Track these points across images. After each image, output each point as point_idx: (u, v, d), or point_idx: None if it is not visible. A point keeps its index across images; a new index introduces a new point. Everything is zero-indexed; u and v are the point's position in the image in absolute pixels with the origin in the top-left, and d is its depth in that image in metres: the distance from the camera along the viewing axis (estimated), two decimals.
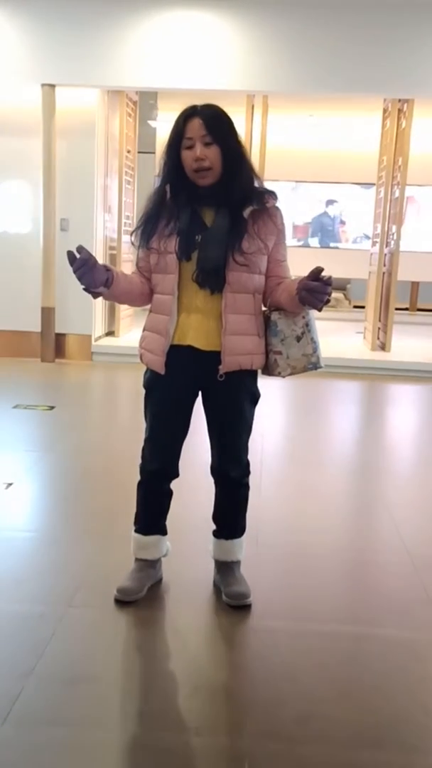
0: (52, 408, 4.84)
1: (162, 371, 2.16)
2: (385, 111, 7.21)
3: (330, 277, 1.95)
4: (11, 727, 1.71)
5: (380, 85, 6.28)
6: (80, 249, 1.97)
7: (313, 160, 10.48)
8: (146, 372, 2.26)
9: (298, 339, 2.17)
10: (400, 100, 6.79)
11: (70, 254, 1.96)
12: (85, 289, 2.05)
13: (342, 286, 12.11)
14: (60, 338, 6.69)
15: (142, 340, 2.25)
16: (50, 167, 6.39)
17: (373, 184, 7.90)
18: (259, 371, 2.24)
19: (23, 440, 4.22)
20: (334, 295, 13.44)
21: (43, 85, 6.25)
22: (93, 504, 3.21)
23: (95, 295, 2.09)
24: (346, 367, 6.68)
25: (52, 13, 6.13)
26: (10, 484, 3.31)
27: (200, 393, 2.25)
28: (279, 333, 2.17)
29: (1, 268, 6.68)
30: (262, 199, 2.14)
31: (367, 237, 10.01)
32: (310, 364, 2.19)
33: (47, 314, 6.56)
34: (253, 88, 6.42)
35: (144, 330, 2.25)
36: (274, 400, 5.32)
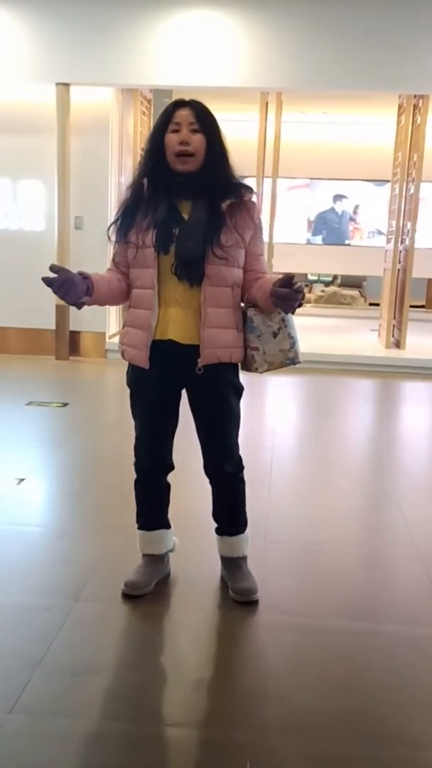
0: (65, 405, 4.88)
1: (146, 366, 2.15)
2: (400, 107, 7.16)
3: (300, 285, 1.94)
4: (19, 715, 1.74)
5: (396, 81, 6.25)
6: (56, 269, 1.94)
7: (327, 157, 10.45)
8: (128, 370, 2.25)
9: (275, 335, 2.17)
10: (415, 96, 6.75)
11: (46, 279, 1.93)
12: (69, 303, 2.03)
13: (358, 283, 12.08)
14: (74, 336, 6.74)
15: (123, 335, 2.24)
16: (64, 165, 6.44)
17: (388, 181, 7.86)
18: (239, 365, 2.24)
19: (36, 437, 4.26)
20: (351, 292, 13.34)
21: (57, 84, 6.29)
22: (102, 500, 3.24)
23: (80, 306, 2.09)
24: (361, 364, 6.67)
25: (66, 12, 6.17)
26: (22, 480, 3.35)
27: (185, 390, 2.25)
28: (255, 329, 2.17)
29: (16, 266, 6.74)
30: (239, 193, 2.15)
31: (380, 233, 9.96)
32: (288, 359, 2.19)
33: (62, 312, 6.61)
34: (267, 85, 6.42)
35: (124, 326, 2.25)
36: (287, 398, 5.33)
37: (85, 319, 6.66)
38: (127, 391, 2.28)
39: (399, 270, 7.16)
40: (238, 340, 2.18)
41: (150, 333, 2.13)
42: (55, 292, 1.97)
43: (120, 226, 2.17)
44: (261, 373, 2.21)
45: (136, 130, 7.07)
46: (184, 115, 2.08)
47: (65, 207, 6.50)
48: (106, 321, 6.78)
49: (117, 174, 6.87)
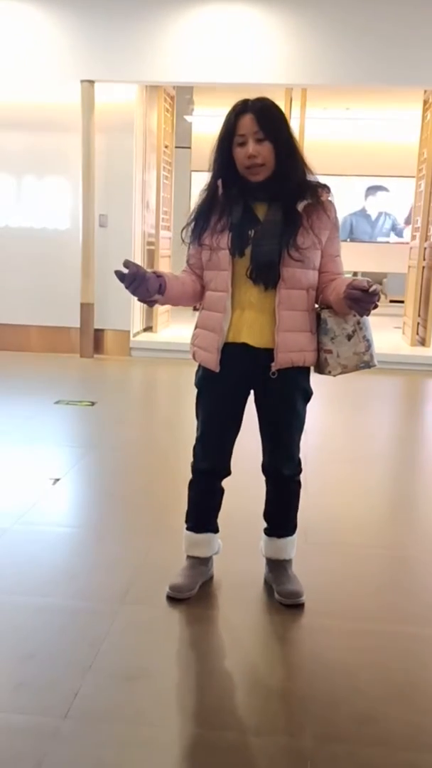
0: (93, 404, 4.87)
1: (217, 369, 2.13)
2: (425, 103, 7.09)
3: (375, 288, 1.89)
4: (74, 721, 1.72)
5: (421, 76, 6.18)
6: (127, 264, 1.94)
7: (350, 153, 10.37)
8: (198, 370, 2.24)
9: (349, 337, 2.12)
10: None
11: (118, 273, 1.93)
12: (140, 300, 2.02)
13: (378, 280, 11.99)
14: (99, 334, 6.73)
15: (195, 337, 2.22)
16: (89, 163, 6.43)
17: (413, 177, 7.79)
18: (312, 368, 2.22)
19: (67, 436, 4.26)
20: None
21: (82, 81, 6.28)
22: (141, 500, 3.22)
23: (151, 304, 2.07)
24: (385, 362, 6.52)
25: (91, 9, 6.16)
26: (58, 480, 3.34)
27: (252, 391, 2.23)
28: (329, 331, 2.13)
29: (41, 265, 6.74)
30: (316, 193, 2.11)
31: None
32: (362, 362, 2.14)
33: (86, 310, 6.60)
34: (291, 81, 6.37)
35: (196, 327, 2.22)
36: (314, 397, 5.30)
37: (108, 317, 6.67)
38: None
39: (424, 267, 7.09)
40: (311, 343, 2.14)
41: (222, 336, 2.11)
42: (126, 287, 1.95)
43: (194, 228, 2.14)
44: (335, 376, 2.17)
45: (160, 127, 7.04)
46: (246, 124, 2.01)
47: (90, 205, 6.49)
48: (130, 319, 6.77)
49: (141, 171, 6.85)
